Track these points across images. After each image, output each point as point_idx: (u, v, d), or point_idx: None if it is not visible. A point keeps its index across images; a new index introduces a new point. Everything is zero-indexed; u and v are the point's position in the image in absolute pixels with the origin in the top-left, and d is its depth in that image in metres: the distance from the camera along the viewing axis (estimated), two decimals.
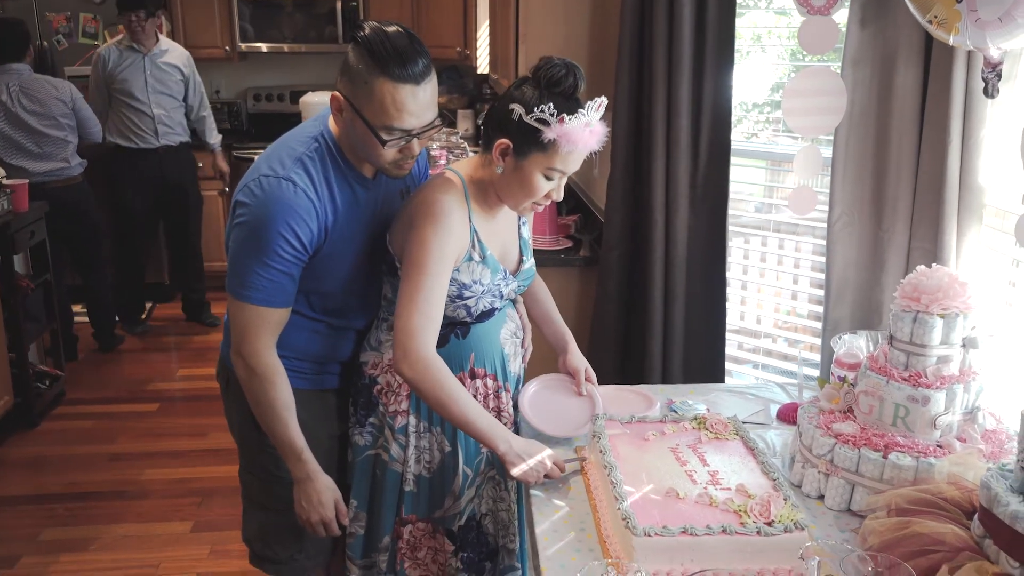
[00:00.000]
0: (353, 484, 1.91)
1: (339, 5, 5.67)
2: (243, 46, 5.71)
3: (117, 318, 5.10)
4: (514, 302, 2.02)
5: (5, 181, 3.97)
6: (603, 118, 1.71)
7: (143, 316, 5.33)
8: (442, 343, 1.79)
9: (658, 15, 2.44)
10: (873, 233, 2.15)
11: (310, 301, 1.80)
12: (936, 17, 1.59)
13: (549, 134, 1.63)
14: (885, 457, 1.53)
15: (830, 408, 1.72)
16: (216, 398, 2.00)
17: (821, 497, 1.63)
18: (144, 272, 5.23)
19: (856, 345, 1.91)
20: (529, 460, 1.66)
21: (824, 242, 2.24)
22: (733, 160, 2.50)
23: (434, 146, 3.99)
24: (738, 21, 2.44)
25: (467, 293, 1.77)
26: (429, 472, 1.87)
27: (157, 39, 4.76)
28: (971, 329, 1.60)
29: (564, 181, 1.76)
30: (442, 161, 3.83)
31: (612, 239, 2.73)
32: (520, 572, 1.96)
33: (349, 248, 1.76)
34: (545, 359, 2.14)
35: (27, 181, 4.09)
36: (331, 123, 1.72)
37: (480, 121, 5.54)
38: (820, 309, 2.37)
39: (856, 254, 2.19)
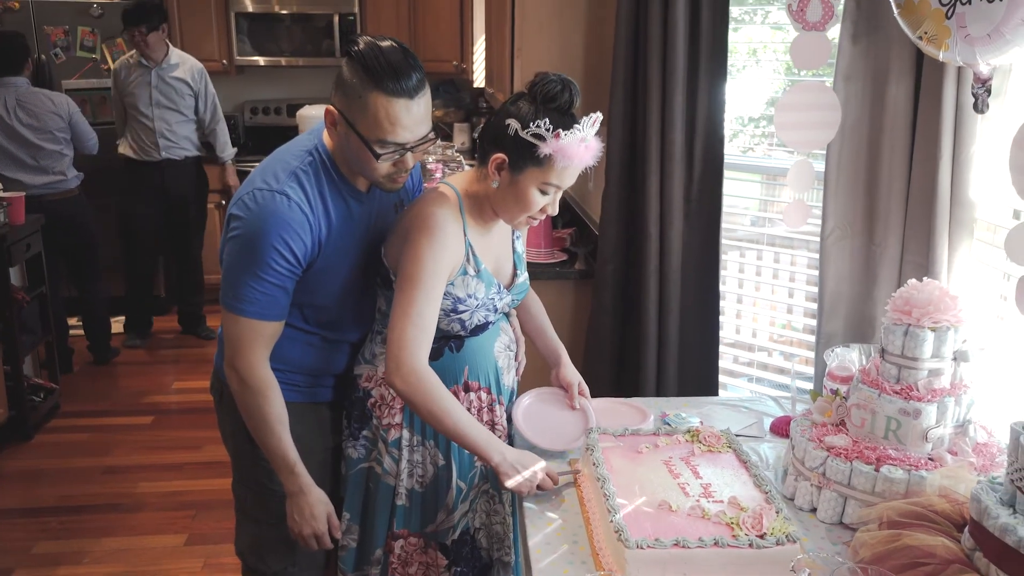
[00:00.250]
0: (346, 497, 1.91)
1: (336, 19, 5.70)
2: (240, 59, 5.73)
3: (123, 328, 5.16)
4: (508, 315, 2.03)
5: (2, 194, 3.98)
6: (598, 132, 1.72)
7: (151, 328, 5.37)
8: (436, 356, 1.79)
9: (652, 30, 2.46)
10: (865, 247, 2.16)
11: (304, 314, 1.81)
12: (926, 33, 1.61)
13: (545, 149, 1.64)
14: (877, 470, 1.53)
15: (823, 421, 1.73)
16: (211, 411, 2.00)
17: (814, 510, 1.63)
18: (152, 283, 5.26)
19: (848, 358, 1.92)
20: (524, 472, 1.67)
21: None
22: (729, 174, 2.51)
23: (430, 159, 4.01)
24: (734, 36, 2.46)
25: (461, 307, 1.78)
26: (422, 487, 1.87)
27: (167, 53, 4.79)
28: (962, 342, 1.61)
29: (560, 195, 1.76)
30: (438, 175, 3.84)
31: (607, 252, 2.74)
32: None
33: (343, 261, 1.77)
34: (539, 372, 2.15)
35: (24, 194, 4.11)
36: (325, 137, 1.73)
37: (476, 135, 5.57)
38: (815, 323, 2.37)
39: (849, 268, 2.20)
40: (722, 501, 1.52)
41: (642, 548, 1.36)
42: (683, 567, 1.36)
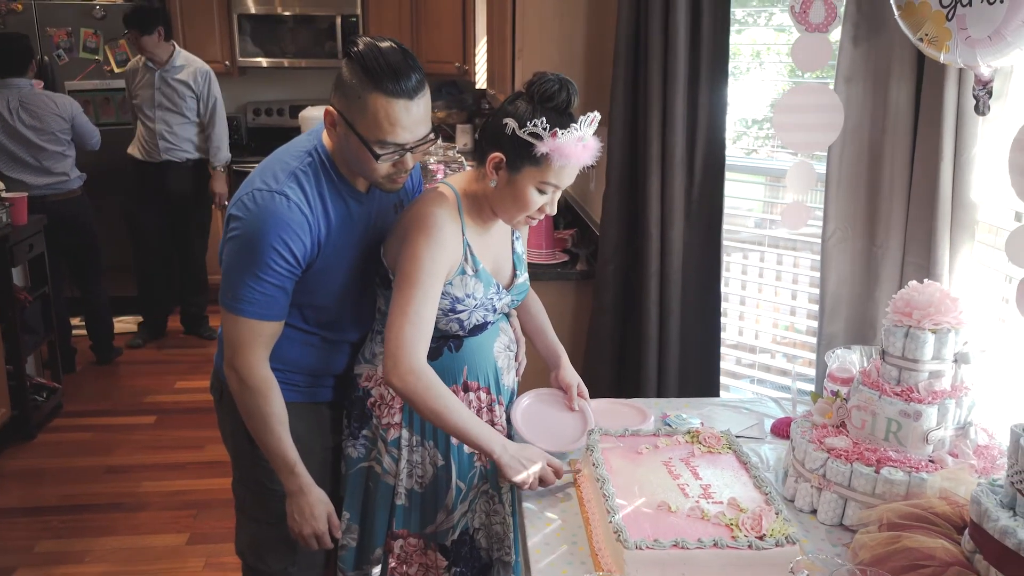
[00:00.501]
0: (346, 496, 1.91)
1: (339, 21, 5.71)
2: (243, 61, 5.74)
3: (137, 327, 5.26)
4: (508, 316, 2.03)
5: (4, 194, 3.99)
6: (598, 133, 1.72)
7: (166, 328, 5.41)
8: (435, 356, 1.79)
9: (653, 31, 2.46)
10: (867, 249, 2.16)
11: (304, 314, 1.81)
12: (927, 35, 1.61)
13: (542, 148, 1.64)
14: (877, 472, 1.53)
15: (823, 423, 1.73)
16: (213, 411, 2.00)
17: (814, 511, 1.63)
18: (164, 282, 5.27)
19: (849, 360, 1.92)
20: (529, 466, 1.67)
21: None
22: (732, 176, 2.51)
23: (432, 160, 4.02)
24: (737, 38, 2.46)
25: (460, 307, 1.78)
26: (421, 487, 1.87)
27: (172, 55, 4.80)
28: (963, 344, 1.60)
29: (558, 195, 1.76)
30: (439, 175, 3.85)
31: (608, 253, 2.74)
32: None
33: (342, 262, 1.77)
34: (538, 373, 2.15)
35: (26, 194, 4.12)
36: (325, 138, 1.73)
37: (477, 135, 5.56)
38: (816, 324, 2.37)
39: (850, 269, 2.19)
40: (722, 502, 1.52)
41: (641, 549, 1.35)
42: (682, 568, 1.36)
